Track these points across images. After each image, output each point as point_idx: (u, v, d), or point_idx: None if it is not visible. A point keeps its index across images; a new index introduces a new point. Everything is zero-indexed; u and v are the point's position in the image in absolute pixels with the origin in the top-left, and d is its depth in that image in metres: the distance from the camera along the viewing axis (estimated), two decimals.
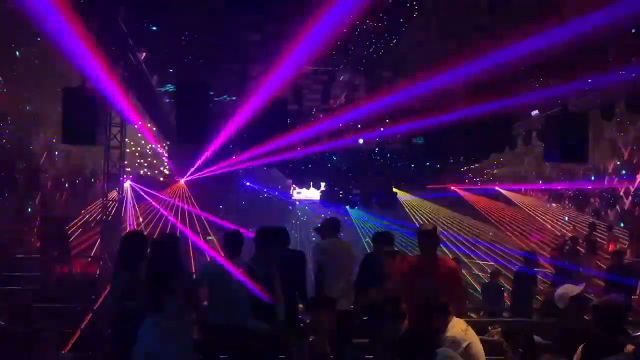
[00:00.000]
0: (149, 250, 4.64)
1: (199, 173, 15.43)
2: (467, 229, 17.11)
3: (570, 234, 13.65)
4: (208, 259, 6.79)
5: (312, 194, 20.24)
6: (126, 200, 12.44)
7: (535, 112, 11.69)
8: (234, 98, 11.36)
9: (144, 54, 9.95)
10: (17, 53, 10.95)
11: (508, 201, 19.39)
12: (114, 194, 11.18)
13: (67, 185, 16.10)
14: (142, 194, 14.57)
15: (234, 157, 13.54)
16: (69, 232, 11.65)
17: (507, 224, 16.95)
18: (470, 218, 18.08)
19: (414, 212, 19.23)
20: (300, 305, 5.77)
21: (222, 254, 5.26)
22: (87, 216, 13.80)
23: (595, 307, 3.97)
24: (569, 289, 5.03)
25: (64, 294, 8.12)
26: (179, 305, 4.31)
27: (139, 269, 4.69)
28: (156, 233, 10.93)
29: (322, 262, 5.97)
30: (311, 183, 18.42)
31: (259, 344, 4.59)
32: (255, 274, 4.70)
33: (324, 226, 6.37)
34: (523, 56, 6.73)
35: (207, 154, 12.64)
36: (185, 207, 15.90)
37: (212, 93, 9.96)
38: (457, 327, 4.40)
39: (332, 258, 5.96)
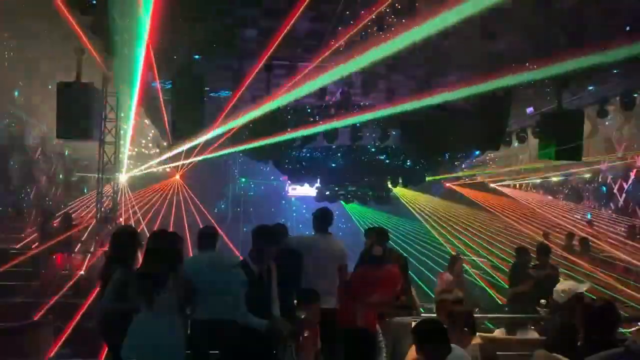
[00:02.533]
0: (145, 245, 4.62)
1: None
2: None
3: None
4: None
5: (307, 190, 20.24)
6: (121, 195, 12.41)
7: (530, 109, 11.72)
8: (229, 94, 11.32)
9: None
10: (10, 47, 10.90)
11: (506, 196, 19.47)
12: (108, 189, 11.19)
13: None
14: None
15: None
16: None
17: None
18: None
19: (412, 205, 19.25)
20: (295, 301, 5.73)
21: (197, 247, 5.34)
22: (84, 212, 13.79)
23: (588, 307, 4.04)
24: (572, 286, 5.05)
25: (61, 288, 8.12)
26: (171, 302, 4.30)
27: (132, 263, 4.69)
28: (153, 229, 10.89)
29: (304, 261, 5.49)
30: (306, 180, 18.44)
31: (248, 339, 4.58)
32: (252, 269, 4.70)
33: (314, 217, 5.79)
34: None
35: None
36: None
37: (207, 89, 9.93)
38: None
39: (315, 256, 5.48)
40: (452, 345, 3.69)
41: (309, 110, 12.22)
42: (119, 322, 4.39)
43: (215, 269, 4.92)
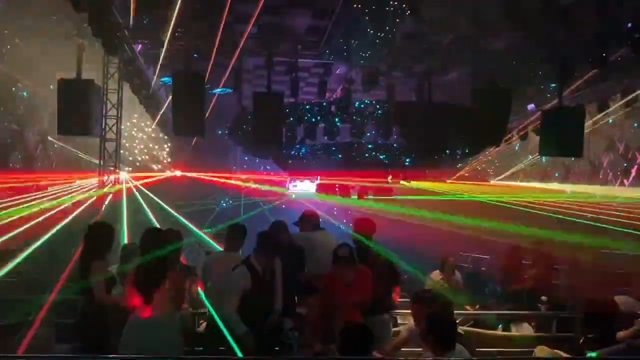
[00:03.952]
0: (141, 242, 4.58)
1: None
2: None
3: None
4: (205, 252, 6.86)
5: (308, 187, 20.22)
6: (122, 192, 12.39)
7: (531, 106, 11.70)
8: (229, 90, 11.32)
9: (140, 45, 9.91)
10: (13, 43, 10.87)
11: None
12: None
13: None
14: None
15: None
16: None
17: None
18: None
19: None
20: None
21: (223, 247, 5.36)
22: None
23: (587, 305, 4.05)
24: (623, 301, 4.96)
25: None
26: (168, 299, 4.29)
27: (109, 258, 4.68)
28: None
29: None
30: (307, 177, 18.42)
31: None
32: (255, 268, 4.71)
33: (305, 218, 6.03)
34: None
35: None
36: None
37: (208, 85, 9.91)
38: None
39: (316, 250, 5.62)
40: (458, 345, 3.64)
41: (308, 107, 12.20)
42: (107, 318, 4.39)
43: (222, 268, 4.95)
